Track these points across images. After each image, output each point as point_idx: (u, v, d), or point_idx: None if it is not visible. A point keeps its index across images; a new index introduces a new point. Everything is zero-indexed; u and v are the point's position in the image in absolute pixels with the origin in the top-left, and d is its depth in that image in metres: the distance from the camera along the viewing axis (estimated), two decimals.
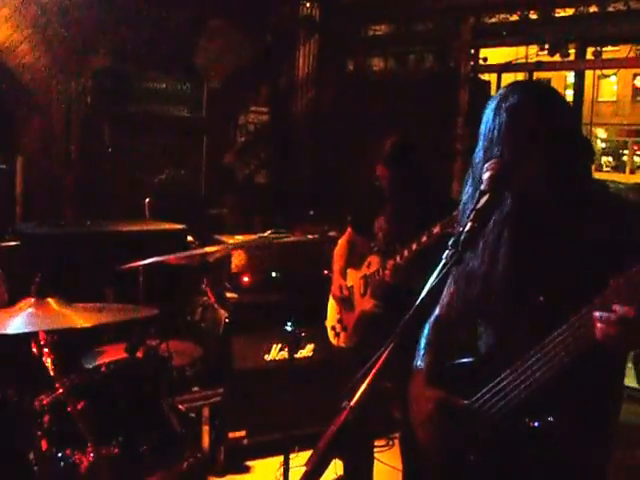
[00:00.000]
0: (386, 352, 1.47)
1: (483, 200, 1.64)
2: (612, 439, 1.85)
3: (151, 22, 5.70)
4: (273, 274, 4.63)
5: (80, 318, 2.53)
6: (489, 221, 1.64)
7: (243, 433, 4.33)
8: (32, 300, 2.60)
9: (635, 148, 31.43)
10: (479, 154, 1.85)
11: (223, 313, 4.31)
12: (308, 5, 6.85)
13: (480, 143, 1.85)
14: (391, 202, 3.46)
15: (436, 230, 3.01)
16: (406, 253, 3.20)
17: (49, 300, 2.60)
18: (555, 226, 1.76)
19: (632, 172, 29.87)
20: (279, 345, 4.46)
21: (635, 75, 28.18)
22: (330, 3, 6.92)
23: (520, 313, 1.80)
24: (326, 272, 4.88)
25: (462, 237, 1.57)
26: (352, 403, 1.44)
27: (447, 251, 1.58)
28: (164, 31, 5.80)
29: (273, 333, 4.41)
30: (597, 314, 1.54)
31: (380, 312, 3.50)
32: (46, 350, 2.56)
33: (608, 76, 20.36)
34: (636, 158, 31.56)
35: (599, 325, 1.53)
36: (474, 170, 1.87)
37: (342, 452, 3.58)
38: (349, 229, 3.84)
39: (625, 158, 31.71)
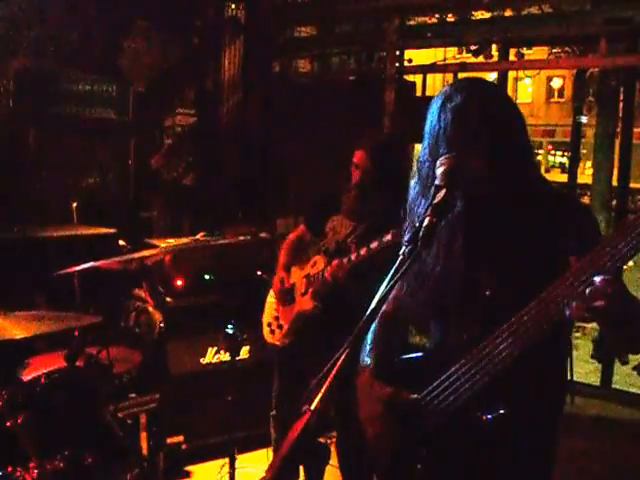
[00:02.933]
0: (343, 356, 1.46)
1: (440, 195, 1.63)
2: (559, 427, 1.91)
3: (75, 22, 5.57)
4: (206, 277, 4.59)
5: (19, 328, 2.43)
6: (447, 216, 1.64)
7: (181, 438, 4.28)
8: None
9: (549, 148, 32.47)
10: (424, 152, 1.85)
11: (158, 317, 4.24)
12: (233, 6, 6.80)
13: (425, 142, 1.85)
14: (360, 192, 3.34)
15: (387, 238, 2.94)
16: (354, 257, 3.15)
17: None
18: (503, 224, 1.78)
19: (547, 171, 30.78)
20: (215, 348, 4.43)
21: (549, 78, 29.10)
22: (255, 4, 6.90)
23: (470, 308, 1.82)
24: (260, 273, 4.86)
25: (421, 232, 1.56)
26: (312, 407, 1.42)
27: (403, 247, 1.57)
28: (89, 31, 5.67)
29: (208, 336, 4.38)
30: (574, 286, 1.53)
31: (318, 314, 3.46)
32: None
33: (523, 78, 20.92)
34: (550, 158, 32.61)
35: (577, 298, 1.50)
36: (420, 169, 1.87)
37: (304, 457, 3.57)
38: (302, 227, 3.81)
39: (540, 158, 32.72)
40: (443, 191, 1.64)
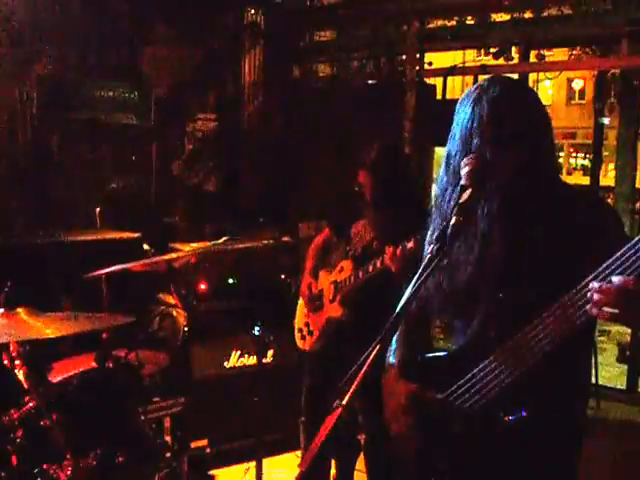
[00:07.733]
0: (373, 353, 1.47)
1: (466, 195, 1.63)
2: (581, 432, 1.88)
3: (97, 29, 5.61)
4: (230, 281, 4.60)
5: (53, 327, 2.45)
6: (473, 215, 1.64)
7: (205, 442, 4.28)
8: (1, 310, 2.52)
9: (571, 150, 32.26)
10: (455, 145, 1.83)
11: (182, 321, 4.25)
12: (252, 12, 6.83)
13: (456, 134, 1.82)
14: (373, 210, 3.37)
15: (410, 245, 2.88)
16: (378, 264, 3.12)
17: (19, 310, 2.52)
18: (533, 222, 1.76)
19: (569, 173, 30.59)
20: (239, 352, 4.43)
21: (569, 79, 28.92)
22: (274, 9, 6.92)
23: (498, 306, 1.80)
24: (283, 277, 4.87)
25: (448, 231, 1.56)
26: (343, 403, 1.44)
27: (431, 245, 1.58)
28: (110, 38, 5.71)
29: (232, 340, 4.39)
30: (595, 285, 1.50)
31: (347, 321, 3.45)
32: (18, 362, 2.47)
33: (543, 80, 20.83)
34: (572, 160, 32.38)
35: (596, 297, 1.49)
36: (451, 161, 1.84)
37: (336, 451, 3.58)
38: (326, 229, 3.81)
39: (562, 160, 32.50)
40: (469, 191, 1.64)
